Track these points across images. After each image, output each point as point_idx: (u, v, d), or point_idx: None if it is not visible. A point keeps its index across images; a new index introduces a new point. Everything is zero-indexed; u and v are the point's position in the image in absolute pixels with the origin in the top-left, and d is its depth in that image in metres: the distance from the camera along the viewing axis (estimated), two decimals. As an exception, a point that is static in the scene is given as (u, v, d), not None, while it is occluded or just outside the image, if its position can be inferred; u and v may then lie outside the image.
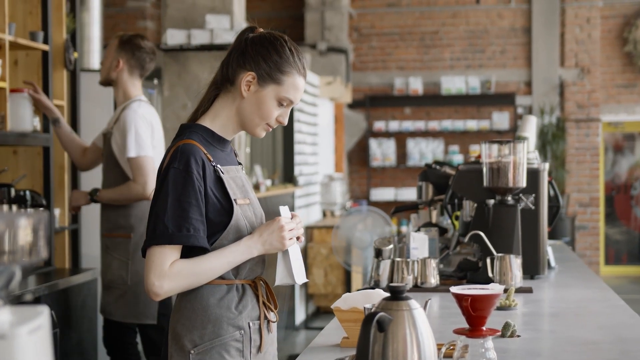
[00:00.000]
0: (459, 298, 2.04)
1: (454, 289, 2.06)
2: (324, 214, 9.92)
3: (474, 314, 2.02)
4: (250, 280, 2.40)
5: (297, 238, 2.43)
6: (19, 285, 1.11)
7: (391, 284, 1.89)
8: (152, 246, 2.27)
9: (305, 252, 8.51)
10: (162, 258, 2.26)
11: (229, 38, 5.95)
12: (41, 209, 4.51)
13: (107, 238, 4.37)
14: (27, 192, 4.46)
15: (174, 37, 6.11)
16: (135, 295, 4.32)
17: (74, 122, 5.21)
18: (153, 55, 4.51)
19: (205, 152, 2.33)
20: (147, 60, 4.49)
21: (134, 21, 11.75)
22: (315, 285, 8.61)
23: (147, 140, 4.31)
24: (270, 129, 2.42)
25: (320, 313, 9.03)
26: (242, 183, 2.42)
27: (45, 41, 4.72)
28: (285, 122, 2.42)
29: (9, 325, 1.02)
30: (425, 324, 1.87)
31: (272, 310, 2.45)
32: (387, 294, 2.45)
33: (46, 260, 4.47)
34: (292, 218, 2.41)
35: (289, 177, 8.57)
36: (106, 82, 4.48)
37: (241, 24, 6.29)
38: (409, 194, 11.71)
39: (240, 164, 2.52)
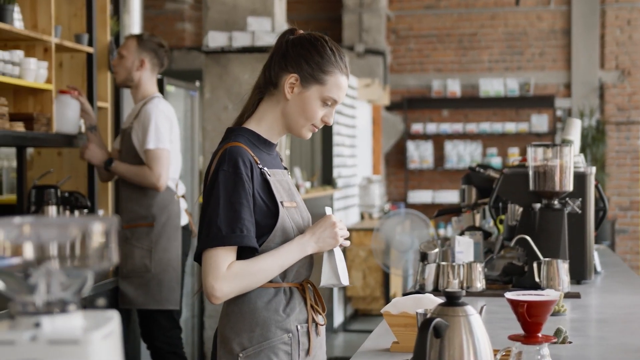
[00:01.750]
0: (515, 304, 2.01)
1: (509, 295, 2.03)
2: (362, 217, 9.90)
3: (530, 320, 2.00)
4: (298, 283, 2.41)
5: (346, 239, 2.43)
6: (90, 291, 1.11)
7: (447, 290, 1.87)
8: (207, 249, 2.27)
9: (343, 254, 8.48)
10: (218, 261, 2.27)
11: (270, 40, 5.95)
12: (85, 210, 4.54)
13: (127, 229, 4.46)
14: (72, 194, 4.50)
15: (215, 39, 6.12)
16: (159, 282, 4.45)
17: (117, 124, 5.24)
18: (169, 53, 4.67)
19: (252, 154, 2.34)
20: (165, 57, 4.65)
21: (172, 23, 11.82)
22: (353, 288, 8.59)
23: (166, 134, 4.44)
24: (316, 130, 2.42)
25: (359, 315, 9.01)
26: (288, 186, 2.43)
27: (90, 43, 4.75)
28: (331, 121, 2.42)
29: (83, 331, 1.02)
30: (481, 330, 1.85)
31: (320, 313, 2.44)
32: (436, 298, 2.45)
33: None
34: None
35: (327, 179, 8.56)
36: (126, 82, 4.54)
37: (282, 26, 6.30)
38: (446, 196, 11.66)
39: (285, 168, 2.53)
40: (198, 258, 2.32)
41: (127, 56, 4.50)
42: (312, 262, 2.46)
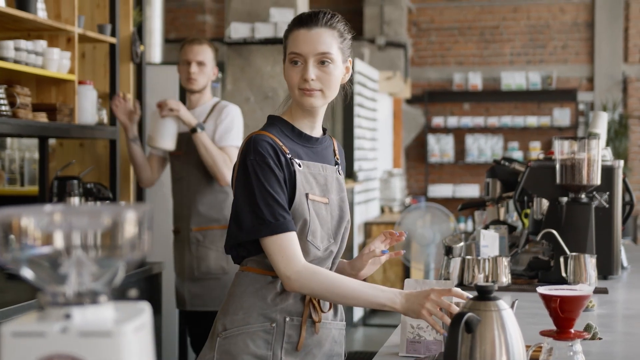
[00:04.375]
0: (547, 299, 1.97)
1: (542, 290, 1.99)
2: (382, 210, 9.86)
3: (562, 315, 1.96)
4: None
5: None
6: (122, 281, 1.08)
7: (479, 284, 1.83)
8: (264, 238, 2.27)
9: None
10: (283, 245, 2.26)
11: (293, 32, 5.91)
12: (107, 201, 4.53)
13: (198, 232, 4.45)
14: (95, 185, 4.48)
15: (237, 30, 6.09)
16: None
17: (140, 116, 5.21)
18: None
19: (281, 143, 2.34)
20: None
21: (193, 15, 11.80)
22: (373, 282, 8.56)
23: (241, 135, 4.52)
24: (309, 91, 2.34)
25: (378, 310, 8.98)
26: (324, 181, 2.40)
27: (113, 34, 4.73)
28: (308, 75, 2.32)
29: (114, 323, 0.99)
30: (514, 326, 1.81)
31: (320, 311, 2.39)
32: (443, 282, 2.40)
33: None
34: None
35: (348, 173, 8.52)
36: (202, 89, 4.54)
37: (304, 17, 6.25)
38: (467, 190, 11.60)
39: (337, 164, 2.50)
40: (230, 250, 2.33)
41: (207, 64, 4.52)
42: (327, 261, 2.42)
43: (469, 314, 1.79)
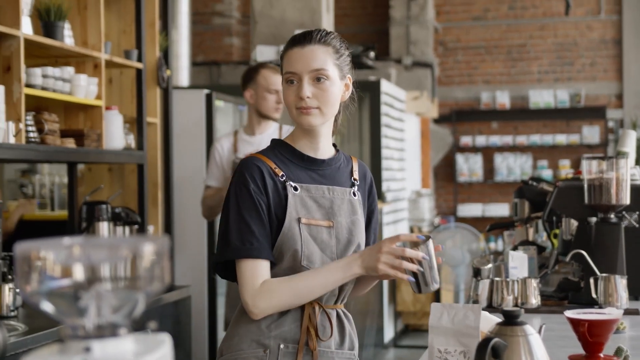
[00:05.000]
0: (575, 323, 1.95)
1: (569, 314, 1.97)
2: (412, 230, 9.81)
3: (591, 339, 1.93)
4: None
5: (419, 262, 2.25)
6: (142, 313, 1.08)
7: (505, 309, 1.81)
8: (237, 262, 2.26)
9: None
10: (246, 274, 2.25)
11: (318, 54, 5.92)
12: (136, 225, 4.55)
13: None
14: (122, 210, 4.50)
15: (263, 53, 6.12)
16: None
17: (167, 139, 5.24)
18: None
19: (275, 166, 2.32)
20: None
21: (220, 38, 11.87)
22: (404, 303, 8.52)
23: None
24: (306, 109, 2.31)
25: (409, 331, 8.93)
26: (329, 204, 2.35)
27: (139, 59, 4.77)
28: (303, 93, 2.29)
29: (134, 355, 0.98)
30: (541, 351, 1.79)
31: (318, 338, 2.33)
32: (490, 315, 2.38)
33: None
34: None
35: (376, 193, 8.51)
36: None
37: (330, 39, 6.26)
38: (496, 209, 11.53)
39: (354, 185, 2.44)
40: (214, 270, 2.35)
41: (278, 91, 4.54)
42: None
43: (496, 339, 1.77)
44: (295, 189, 2.31)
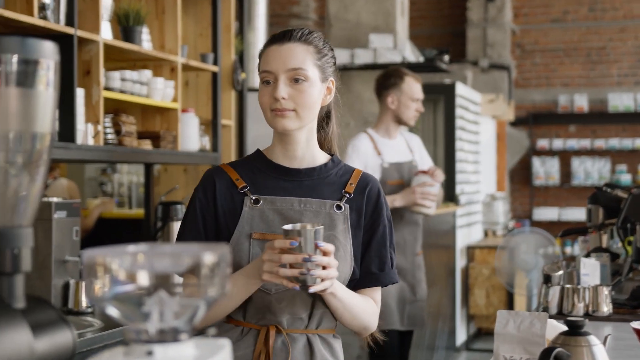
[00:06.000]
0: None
1: (636, 325, 1.96)
2: (486, 234, 9.75)
3: (658, 351, 1.92)
4: (259, 325, 2.16)
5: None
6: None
7: (569, 318, 1.81)
8: None
9: (466, 272, 8.39)
10: None
11: (392, 57, 5.93)
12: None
13: (418, 256, 4.67)
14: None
15: (338, 56, 6.13)
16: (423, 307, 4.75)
17: (241, 142, 5.32)
18: None
19: (237, 177, 2.19)
20: None
21: (296, 40, 11.93)
22: (477, 306, 8.47)
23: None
24: (280, 112, 2.12)
25: (482, 334, 8.87)
26: (298, 217, 2.14)
27: (215, 62, 4.85)
28: (277, 94, 2.11)
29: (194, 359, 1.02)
30: (605, 362, 1.78)
31: None
32: (556, 323, 2.37)
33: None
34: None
35: (450, 196, 8.47)
36: None
37: (404, 42, 6.27)
38: (573, 214, 11.37)
39: (342, 198, 2.20)
40: None
41: (420, 99, 4.75)
42: (282, 305, 2.14)
43: (559, 349, 1.77)
44: (257, 201, 2.15)
